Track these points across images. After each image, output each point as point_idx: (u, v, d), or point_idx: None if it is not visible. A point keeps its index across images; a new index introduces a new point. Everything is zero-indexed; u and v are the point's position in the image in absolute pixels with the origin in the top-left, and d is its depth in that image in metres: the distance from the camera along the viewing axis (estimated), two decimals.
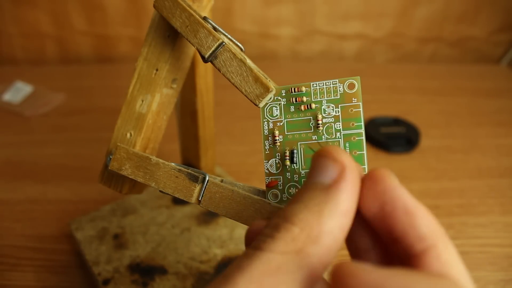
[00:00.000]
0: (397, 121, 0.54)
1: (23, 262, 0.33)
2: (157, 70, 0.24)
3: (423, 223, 0.14)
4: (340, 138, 0.19)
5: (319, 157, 0.15)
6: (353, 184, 0.14)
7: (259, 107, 0.20)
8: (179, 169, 0.20)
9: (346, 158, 0.15)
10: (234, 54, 0.20)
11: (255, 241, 0.14)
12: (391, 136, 0.50)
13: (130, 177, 0.21)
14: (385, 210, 0.14)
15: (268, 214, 0.19)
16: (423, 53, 0.78)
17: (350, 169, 0.14)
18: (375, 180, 0.15)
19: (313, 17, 0.72)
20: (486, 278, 0.33)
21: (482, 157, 0.49)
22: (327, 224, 0.14)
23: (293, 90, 0.19)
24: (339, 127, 0.19)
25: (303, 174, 0.19)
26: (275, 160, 0.20)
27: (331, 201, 0.14)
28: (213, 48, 0.20)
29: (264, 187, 0.20)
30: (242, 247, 0.31)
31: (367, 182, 0.15)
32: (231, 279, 0.13)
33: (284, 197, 0.20)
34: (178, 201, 0.36)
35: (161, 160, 0.21)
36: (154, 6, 0.22)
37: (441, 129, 0.54)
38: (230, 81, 0.20)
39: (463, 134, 0.54)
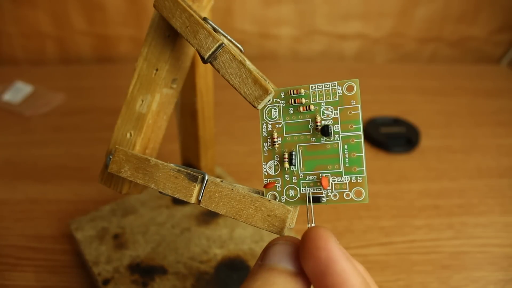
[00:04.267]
0: (397, 121, 0.54)
1: (23, 262, 0.33)
2: (157, 70, 0.24)
3: None
4: (339, 140, 0.19)
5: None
6: None
7: (257, 109, 0.20)
8: (178, 170, 0.20)
9: None
10: (234, 56, 0.20)
11: None
12: (391, 136, 0.50)
13: (129, 179, 0.22)
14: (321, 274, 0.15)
15: (268, 212, 0.19)
16: (423, 53, 0.78)
17: None
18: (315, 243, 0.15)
19: (313, 17, 0.72)
20: (486, 278, 0.33)
21: (482, 157, 0.49)
22: None
23: (292, 92, 0.19)
24: (338, 129, 0.19)
25: (301, 176, 0.19)
26: (274, 162, 0.20)
27: None
28: (212, 49, 0.20)
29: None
30: (242, 247, 0.32)
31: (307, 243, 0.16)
32: None
33: (283, 199, 0.20)
34: (178, 201, 0.36)
35: (160, 161, 0.21)
36: (154, 6, 0.22)
37: (441, 129, 0.54)
38: (229, 82, 0.20)
39: (463, 134, 0.54)
